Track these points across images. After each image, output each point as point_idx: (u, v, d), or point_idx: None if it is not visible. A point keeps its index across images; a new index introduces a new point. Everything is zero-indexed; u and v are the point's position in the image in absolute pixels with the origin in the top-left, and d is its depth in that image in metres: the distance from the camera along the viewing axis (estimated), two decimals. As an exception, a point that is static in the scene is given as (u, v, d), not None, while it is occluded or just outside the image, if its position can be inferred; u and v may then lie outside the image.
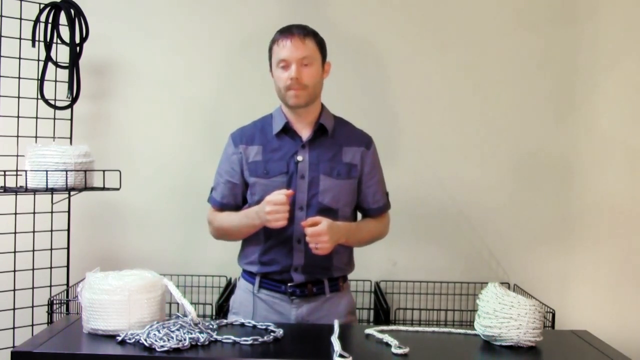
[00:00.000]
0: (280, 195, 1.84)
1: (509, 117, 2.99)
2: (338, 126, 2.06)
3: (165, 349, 1.55)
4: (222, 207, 2.09)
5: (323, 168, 1.99)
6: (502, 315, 1.65)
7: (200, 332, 1.64)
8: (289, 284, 2.00)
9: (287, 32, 1.95)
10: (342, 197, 2.01)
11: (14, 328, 2.67)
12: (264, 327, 1.75)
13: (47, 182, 2.38)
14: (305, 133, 2.01)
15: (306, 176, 1.98)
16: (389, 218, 2.19)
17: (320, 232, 1.84)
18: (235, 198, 2.07)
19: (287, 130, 2.01)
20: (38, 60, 2.72)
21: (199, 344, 1.60)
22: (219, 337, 1.64)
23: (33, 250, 2.73)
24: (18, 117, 2.71)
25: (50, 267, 2.76)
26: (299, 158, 1.99)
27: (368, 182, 2.07)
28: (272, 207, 1.84)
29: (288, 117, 2.02)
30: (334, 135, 2.04)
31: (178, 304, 1.71)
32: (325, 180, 1.98)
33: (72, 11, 2.68)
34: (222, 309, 2.59)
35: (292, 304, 2.01)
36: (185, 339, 1.58)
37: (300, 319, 2.00)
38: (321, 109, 2.05)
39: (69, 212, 2.79)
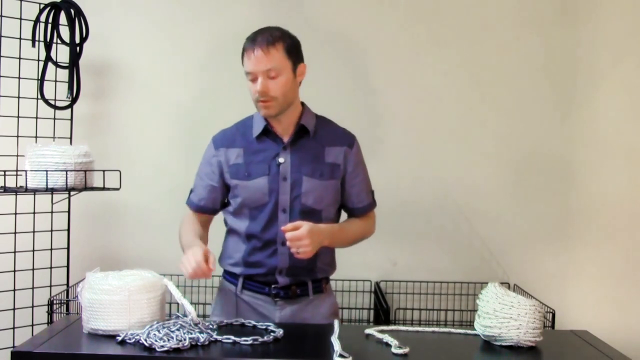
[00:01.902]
0: (198, 257, 1.77)
1: (509, 117, 2.99)
2: (320, 126, 2.03)
3: (165, 349, 1.55)
4: (198, 209, 2.07)
5: (305, 169, 1.96)
6: (502, 315, 1.65)
7: (200, 332, 1.64)
8: (273, 286, 1.98)
9: (252, 43, 1.89)
10: (325, 198, 1.99)
11: (14, 328, 2.67)
12: (264, 327, 1.76)
13: (47, 182, 2.38)
14: (286, 134, 1.99)
15: (288, 178, 1.95)
16: (374, 217, 2.15)
17: (300, 237, 1.80)
18: (214, 201, 2.05)
19: (268, 132, 1.98)
20: (38, 60, 2.72)
21: (199, 344, 1.60)
22: (219, 337, 1.64)
23: (33, 250, 2.73)
24: (18, 117, 2.71)
25: (50, 267, 2.77)
26: (281, 160, 1.96)
27: (352, 181, 2.04)
28: (185, 261, 1.80)
29: (268, 119, 1.99)
30: (316, 136, 2.00)
31: (178, 304, 1.71)
32: (308, 181, 1.96)
33: (72, 11, 2.69)
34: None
35: (276, 306, 1.99)
36: (185, 339, 1.58)
37: (283, 320, 1.97)
38: (302, 109, 2.02)
39: (69, 212, 2.80)
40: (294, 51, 1.92)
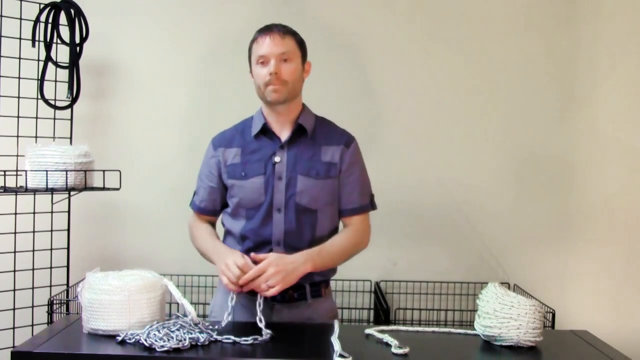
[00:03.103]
0: (236, 270, 1.78)
1: (509, 118, 2.99)
2: (319, 126, 2.03)
3: (165, 349, 1.55)
4: (200, 211, 2.07)
5: (301, 168, 1.95)
6: (502, 315, 1.65)
7: (200, 332, 1.64)
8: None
9: (266, 29, 1.95)
10: (321, 197, 1.96)
11: (14, 328, 2.67)
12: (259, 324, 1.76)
13: (47, 182, 2.38)
14: (284, 134, 1.98)
15: (283, 177, 1.94)
16: (368, 224, 2.05)
17: (261, 270, 1.78)
18: (214, 202, 2.05)
19: (266, 131, 1.99)
20: (38, 60, 2.72)
21: (199, 344, 1.60)
22: (218, 337, 1.64)
23: (33, 250, 2.73)
24: (18, 117, 2.71)
25: (50, 267, 2.77)
26: (277, 159, 1.95)
27: (344, 180, 2.00)
28: (225, 269, 1.81)
29: (267, 118, 1.99)
30: (314, 135, 2.00)
31: (178, 304, 1.71)
32: (303, 180, 1.94)
33: (72, 11, 2.69)
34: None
35: (273, 310, 1.97)
36: (185, 339, 1.58)
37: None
38: (301, 109, 2.02)
39: (69, 212, 2.80)
40: (303, 46, 2.00)
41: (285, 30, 1.95)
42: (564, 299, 2.96)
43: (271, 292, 1.77)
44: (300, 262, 1.85)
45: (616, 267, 2.98)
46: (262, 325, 1.73)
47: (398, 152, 2.98)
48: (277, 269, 1.79)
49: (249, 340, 1.63)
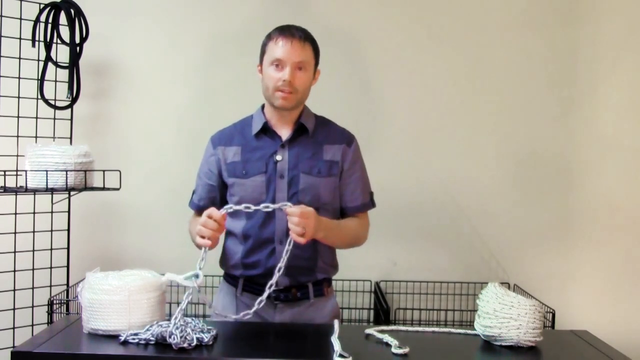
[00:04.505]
0: (217, 216, 1.75)
1: (509, 117, 2.99)
2: (319, 125, 2.03)
3: (171, 347, 1.54)
4: (198, 209, 2.05)
5: (302, 166, 1.95)
6: (502, 315, 1.65)
7: (202, 332, 1.63)
8: (272, 289, 1.95)
9: (288, 32, 1.91)
10: (323, 195, 1.96)
11: (14, 328, 2.67)
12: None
13: (47, 182, 2.38)
14: (285, 133, 1.99)
15: (285, 175, 1.95)
16: (368, 222, 2.09)
17: (308, 214, 1.77)
18: (213, 201, 2.04)
19: (267, 130, 1.99)
20: (38, 60, 2.72)
21: (202, 343, 1.60)
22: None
23: (33, 250, 2.73)
24: (18, 117, 2.71)
25: (50, 267, 2.77)
26: (278, 157, 1.95)
27: (346, 179, 2.01)
28: (200, 227, 1.77)
29: (268, 117, 1.99)
30: (315, 135, 2.00)
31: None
32: (305, 178, 1.95)
33: (72, 11, 2.69)
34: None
35: (276, 309, 1.97)
36: (192, 339, 1.57)
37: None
38: (302, 109, 2.02)
39: (69, 212, 2.80)
40: (318, 54, 1.99)
41: (305, 37, 1.93)
42: (564, 299, 2.96)
43: (299, 239, 1.76)
44: (322, 227, 1.85)
45: (616, 267, 2.98)
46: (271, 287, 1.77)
47: (398, 152, 2.98)
48: (315, 223, 1.78)
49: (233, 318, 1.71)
